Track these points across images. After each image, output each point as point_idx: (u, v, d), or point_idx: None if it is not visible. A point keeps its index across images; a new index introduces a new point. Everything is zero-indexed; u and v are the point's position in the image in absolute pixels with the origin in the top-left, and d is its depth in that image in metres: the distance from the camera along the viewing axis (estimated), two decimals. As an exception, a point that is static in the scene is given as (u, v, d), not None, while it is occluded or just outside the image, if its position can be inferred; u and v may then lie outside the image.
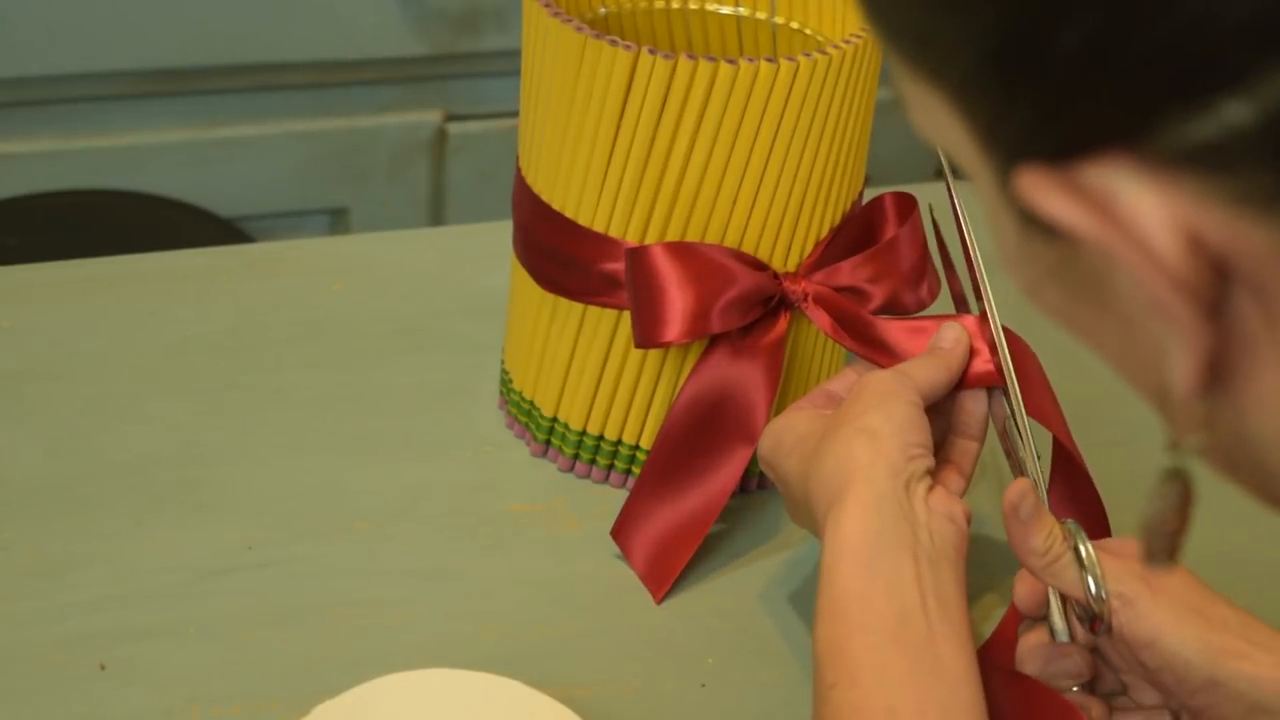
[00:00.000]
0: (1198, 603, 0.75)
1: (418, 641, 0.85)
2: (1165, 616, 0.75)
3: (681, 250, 0.87)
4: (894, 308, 0.91)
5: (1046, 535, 0.76)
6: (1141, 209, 0.42)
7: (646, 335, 0.88)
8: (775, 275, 0.89)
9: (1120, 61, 0.41)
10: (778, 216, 0.89)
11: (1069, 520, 0.78)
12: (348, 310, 1.07)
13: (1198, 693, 0.74)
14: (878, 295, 0.90)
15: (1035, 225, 0.46)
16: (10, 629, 0.83)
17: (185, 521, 0.90)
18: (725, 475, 0.89)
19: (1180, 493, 0.50)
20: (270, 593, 0.87)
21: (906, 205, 0.93)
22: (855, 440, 0.76)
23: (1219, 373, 0.45)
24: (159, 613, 0.85)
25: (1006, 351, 0.85)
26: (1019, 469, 0.84)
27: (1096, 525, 0.88)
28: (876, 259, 0.91)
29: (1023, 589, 0.81)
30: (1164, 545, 0.51)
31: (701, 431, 0.89)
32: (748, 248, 0.89)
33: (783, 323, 0.90)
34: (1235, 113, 0.40)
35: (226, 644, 0.84)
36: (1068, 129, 0.43)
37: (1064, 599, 0.79)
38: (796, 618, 0.88)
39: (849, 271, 0.90)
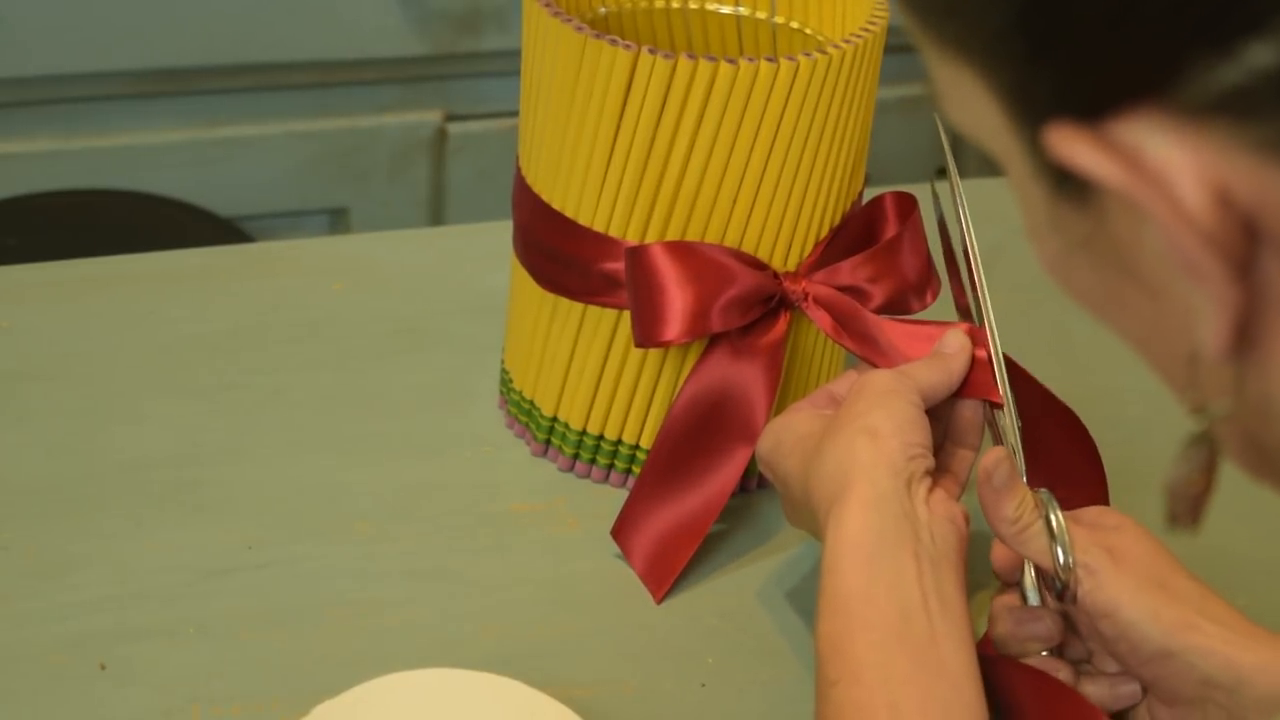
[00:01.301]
0: (1159, 575, 0.76)
1: (418, 641, 0.85)
2: (1125, 587, 0.75)
3: (681, 249, 0.87)
4: (895, 308, 0.91)
5: (1018, 504, 0.76)
6: (1171, 162, 0.43)
7: (646, 334, 0.87)
8: (775, 275, 0.89)
9: (1145, 11, 0.42)
10: (778, 216, 0.89)
11: (1042, 490, 0.78)
12: (348, 310, 1.07)
13: (1150, 663, 0.75)
14: (878, 295, 0.90)
15: (1065, 192, 0.47)
16: (10, 629, 0.83)
17: (185, 521, 0.90)
18: (725, 475, 0.89)
19: (1206, 456, 0.51)
20: (270, 593, 0.87)
21: (907, 205, 0.93)
22: (857, 439, 0.76)
23: (1247, 335, 0.45)
24: (159, 613, 0.85)
25: (993, 320, 0.85)
26: (998, 437, 0.84)
27: (1097, 489, 0.90)
28: (877, 259, 0.91)
29: (999, 554, 0.81)
30: (1188, 508, 0.52)
31: (701, 431, 0.89)
32: (748, 247, 0.89)
33: (783, 323, 0.90)
34: (1259, 56, 0.41)
35: (226, 644, 0.84)
36: (1095, 85, 0.44)
37: (1036, 567, 0.80)
38: (796, 617, 0.88)
39: (849, 271, 0.90)
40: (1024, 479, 0.81)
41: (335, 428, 0.98)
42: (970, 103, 0.48)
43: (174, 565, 0.88)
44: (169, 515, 0.91)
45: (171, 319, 1.05)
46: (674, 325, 0.87)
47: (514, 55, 0.94)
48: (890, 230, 0.92)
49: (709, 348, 0.89)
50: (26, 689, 0.80)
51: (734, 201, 0.88)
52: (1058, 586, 0.77)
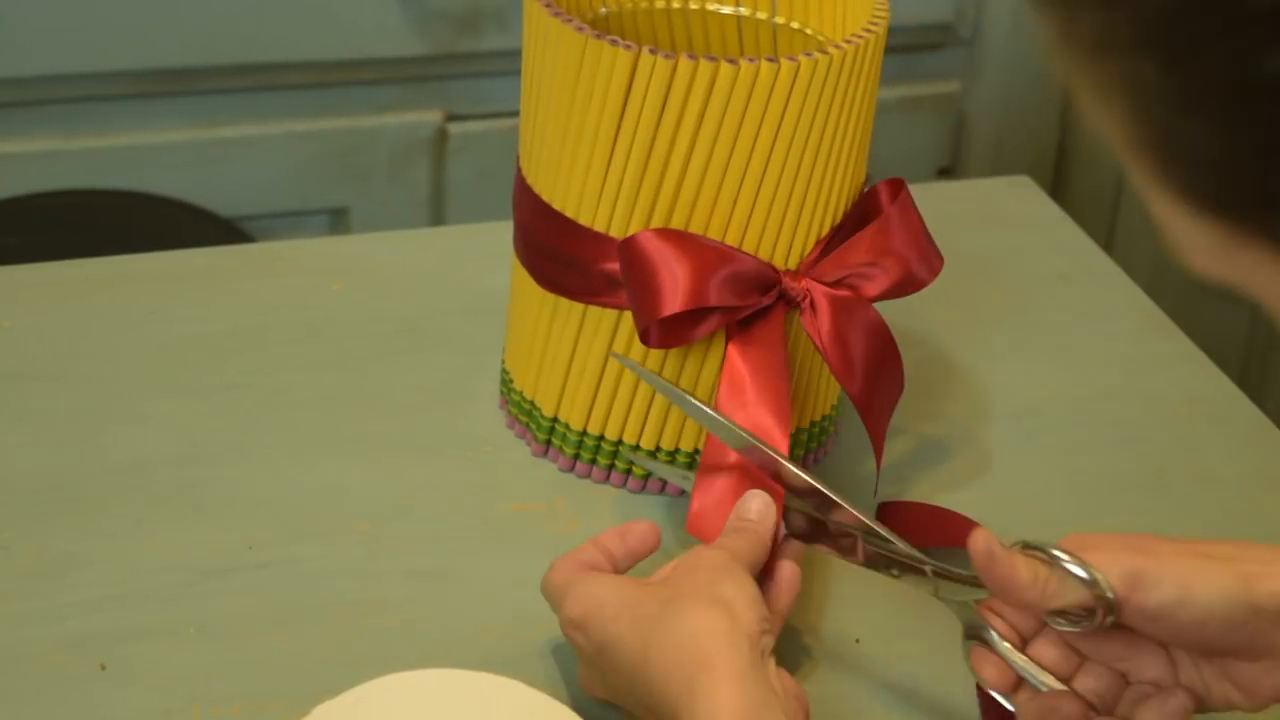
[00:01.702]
0: (1191, 549, 0.75)
1: (418, 641, 0.85)
2: (1178, 573, 0.73)
3: (673, 234, 0.87)
4: (901, 287, 0.90)
5: (1028, 564, 0.74)
6: None
7: (646, 314, 0.87)
8: (775, 270, 0.89)
9: None
10: (778, 216, 0.89)
11: (1029, 542, 0.77)
12: (348, 310, 1.07)
13: (1240, 628, 0.73)
14: (880, 277, 0.90)
15: None
16: (10, 629, 0.83)
17: (185, 521, 0.90)
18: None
19: None
20: (270, 593, 0.87)
21: (895, 187, 0.92)
22: (711, 610, 0.74)
23: None
24: (159, 613, 0.85)
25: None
26: (902, 565, 0.82)
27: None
28: (869, 239, 0.90)
29: (989, 672, 0.79)
30: None
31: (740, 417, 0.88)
32: (748, 247, 0.89)
33: (784, 321, 0.90)
34: None
35: (226, 644, 0.84)
36: None
37: (1063, 612, 0.78)
38: (796, 617, 0.88)
39: (846, 257, 0.90)
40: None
41: (335, 428, 0.98)
42: (1263, 276, 0.47)
43: (174, 565, 0.88)
44: (169, 515, 0.91)
45: (171, 319, 1.05)
46: (672, 300, 0.86)
47: (514, 55, 0.94)
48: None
49: (722, 357, 0.89)
50: (26, 689, 0.80)
51: (734, 202, 0.88)
52: (1110, 620, 0.74)
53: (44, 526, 0.89)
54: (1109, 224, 1.86)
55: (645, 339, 0.88)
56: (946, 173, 1.93)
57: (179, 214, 1.70)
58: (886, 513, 0.93)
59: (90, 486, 0.92)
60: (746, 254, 0.88)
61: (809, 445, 0.98)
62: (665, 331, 0.88)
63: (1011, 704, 0.79)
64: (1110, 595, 0.74)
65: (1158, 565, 0.74)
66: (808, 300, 0.89)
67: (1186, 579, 0.73)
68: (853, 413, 0.99)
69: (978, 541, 0.74)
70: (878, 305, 0.91)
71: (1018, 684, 0.79)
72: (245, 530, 0.90)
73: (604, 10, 0.98)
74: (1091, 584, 0.74)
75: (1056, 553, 0.75)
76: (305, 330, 1.05)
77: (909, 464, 0.99)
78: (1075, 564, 0.75)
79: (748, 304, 0.88)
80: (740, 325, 0.89)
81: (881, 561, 0.83)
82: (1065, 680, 0.79)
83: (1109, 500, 0.98)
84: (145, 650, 0.83)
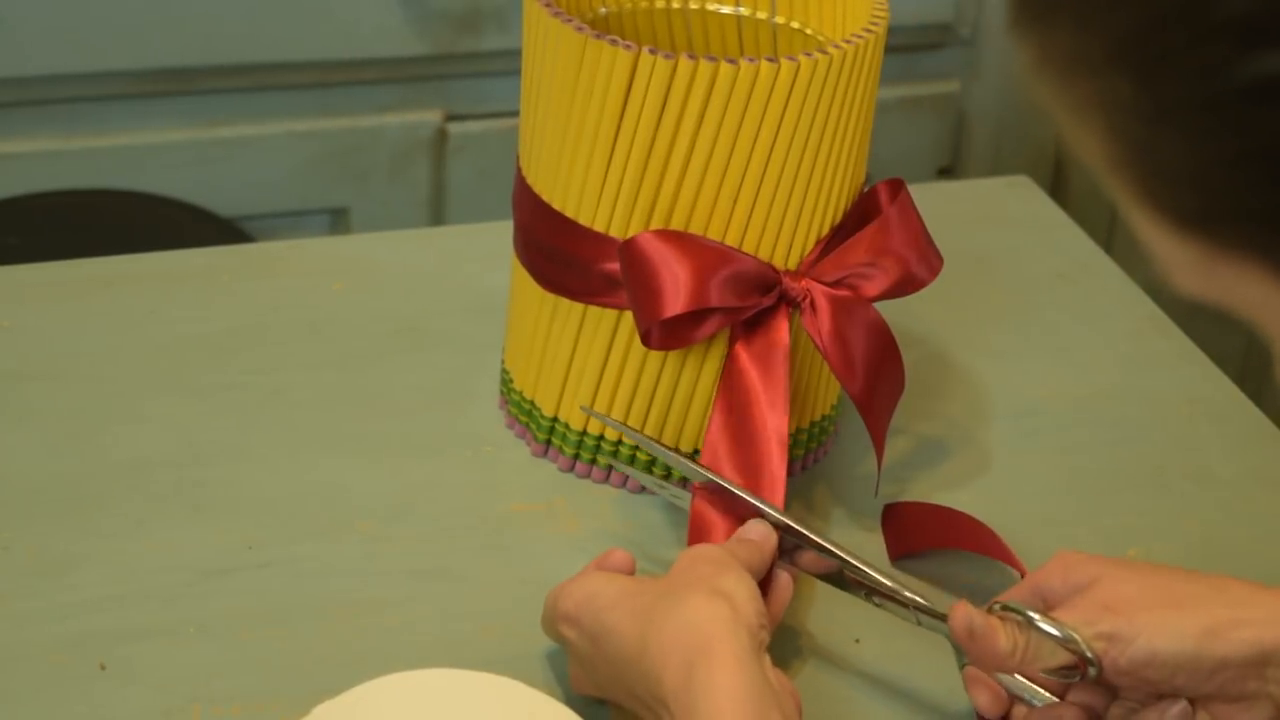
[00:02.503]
0: (1165, 596, 0.76)
1: (418, 641, 0.85)
2: (1148, 630, 0.75)
3: (673, 235, 0.87)
4: (901, 286, 0.91)
5: (1006, 636, 0.76)
6: None
7: (648, 315, 0.87)
8: (775, 270, 0.89)
9: None
10: (778, 216, 0.89)
11: (997, 604, 0.78)
12: (348, 310, 1.07)
13: (1213, 676, 0.75)
14: (879, 277, 0.90)
15: None
16: (10, 629, 0.83)
17: (185, 521, 0.90)
18: (773, 471, 0.88)
19: None
20: (270, 593, 0.87)
21: (895, 187, 0.92)
22: (713, 600, 0.75)
23: None
24: (159, 613, 0.85)
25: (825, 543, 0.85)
26: (895, 600, 0.83)
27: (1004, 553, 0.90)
28: (868, 239, 0.90)
29: (983, 698, 0.81)
30: None
31: (738, 442, 0.88)
32: (748, 247, 0.89)
33: (786, 322, 0.90)
34: None
35: (226, 644, 0.84)
36: None
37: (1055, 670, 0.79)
38: (796, 616, 0.88)
39: (846, 258, 0.90)
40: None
41: (335, 428, 0.98)
42: (1247, 290, 0.47)
43: (174, 565, 0.88)
44: (169, 515, 0.91)
45: (172, 319, 1.05)
46: (673, 301, 0.86)
47: (514, 55, 0.94)
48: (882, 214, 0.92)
49: (724, 360, 0.89)
50: (26, 689, 0.80)
51: (734, 202, 0.88)
52: (1092, 674, 0.76)
53: (44, 526, 0.89)
54: (1109, 224, 1.86)
55: (646, 341, 0.88)
56: (946, 173, 1.93)
57: (179, 214, 1.70)
58: (891, 514, 0.93)
59: (90, 486, 0.92)
60: (746, 254, 0.88)
61: (809, 445, 0.98)
62: (667, 333, 0.88)
63: None
64: (1090, 654, 0.76)
65: (1129, 624, 0.76)
66: (808, 300, 0.89)
67: (1151, 639, 0.75)
68: (853, 413, 0.99)
69: (957, 619, 0.77)
70: (878, 305, 0.91)
71: (1011, 704, 0.81)
72: (245, 530, 0.90)
73: (604, 10, 0.98)
74: (1069, 643, 0.76)
75: (1033, 615, 0.77)
76: (305, 330, 1.05)
77: (909, 464, 0.99)
78: (1052, 626, 0.76)
79: (749, 304, 0.88)
80: (744, 327, 0.89)
81: (862, 591, 0.84)
82: (1059, 696, 0.80)
83: (1109, 500, 0.98)
84: (145, 650, 0.83)
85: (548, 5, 0.88)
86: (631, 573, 0.82)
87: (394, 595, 0.87)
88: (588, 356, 0.93)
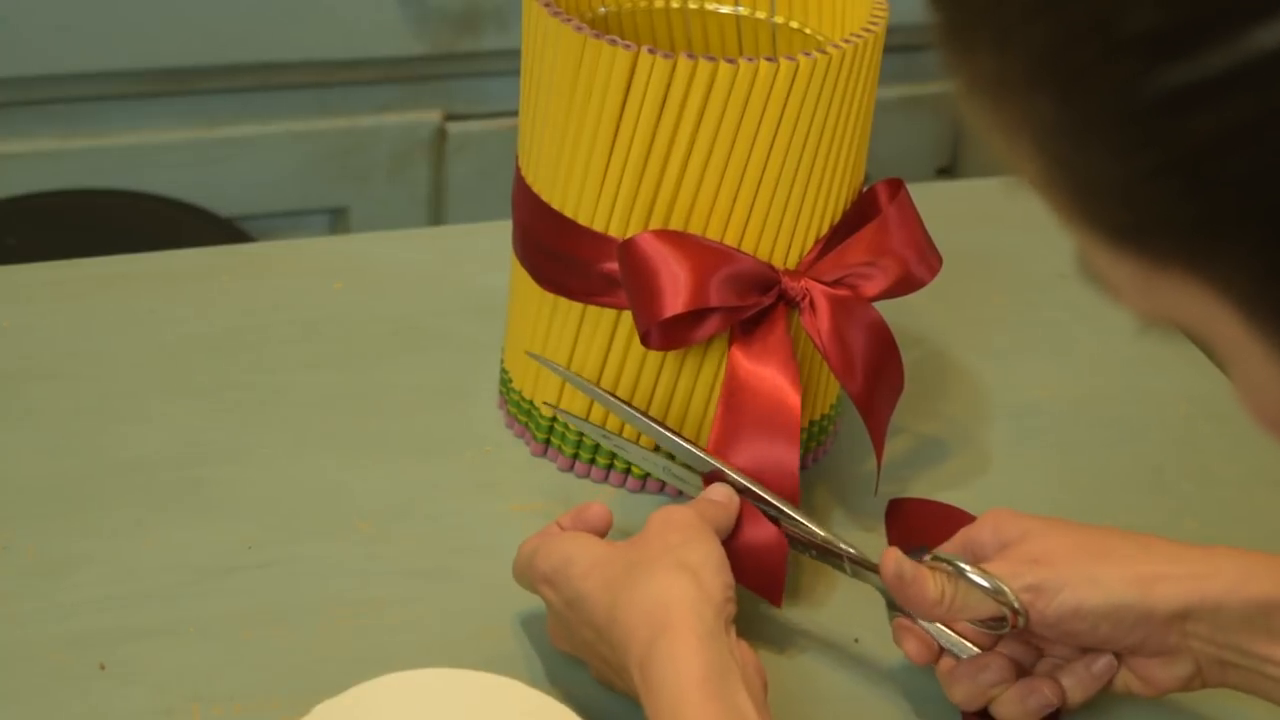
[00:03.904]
0: (1092, 549, 0.78)
1: (418, 641, 0.85)
2: (1073, 582, 0.77)
3: (672, 235, 0.87)
4: (901, 286, 0.91)
5: (935, 583, 0.78)
6: None
7: (648, 315, 0.87)
8: (774, 270, 0.89)
9: None
10: (778, 216, 0.89)
11: (938, 554, 0.80)
12: (348, 310, 1.07)
13: (1134, 629, 0.77)
14: (878, 277, 0.90)
15: None
16: (10, 629, 0.83)
17: (186, 521, 0.91)
18: (785, 470, 0.88)
19: None
20: (270, 593, 0.87)
21: (894, 187, 0.93)
22: (678, 573, 0.75)
23: None
24: (159, 613, 0.85)
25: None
26: (830, 553, 0.84)
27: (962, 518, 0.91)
28: (867, 239, 0.90)
29: (912, 645, 0.82)
30: None
31: (748, 435, 0.88)
32: (748, 247, 0.89)
33: (786, 322, 0.90)
34: None
35: (226, 644, 0.84)
36: None
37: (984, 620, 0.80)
38: (796, 616, 0.88)
39: (845, 257, 0.90)
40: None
41: (335, 428, 0.98)
42: (1187, 305, 0.47)
43: (174, 565, 0.88)
44: (170, 515, 0.91)
45: (172, 319, 1.05)
46: (673, 301, 0.86)
47: (514, 55, 0.94)
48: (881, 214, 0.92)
49: (727, 359, 0.89)
50: (26, 689, 0.80)
51: (734, 201, 0.88)
52: (1021, 622, 0.78)
53: (44, 526, 0.89)
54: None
55: (646, 341, 0.88)
56: (946, 172, 1.93)
57: (179, 214, 1.70)
58: (894, 510, 0.94)
59: (91, 486, 0.92)
60: (746, 254, 0.88)
61: (809, 445, 0.98)
62: (666, 333, 0.88)
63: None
64: (1017, 605, 0.77)
65: (1055, 576, 0.78)
66: (807, 300, 0.89)
67: (1076, 590, 0.77)
68: (853, 412, 0.99)
69: (887, 565, 0.78)
70: (877, 304, 0.91)
71: (940, 654, 0.82)
72: (245, 530, 0.90)
73: (603, 10, 0.98)
74: (997, 593, 0.77)
75: (963, 565, 0.78)
76: (305, 330, 1.05)
77: (908, 463, 0.99)
78: (981, 576, 0.78)
79: (748, 304, 0.88)
80: (744, 327, 0.89)
81: (800, 544, 0.85)
82: (985, 650, 0.81)
83: (1108, 500, 0.98)
84: (145, 650, 0.83)
85: (547, 5, 0.88)
86: (608, 527, 0.83)
87: (394, 595, 0.87)
88: (587, 356, 0.93)
